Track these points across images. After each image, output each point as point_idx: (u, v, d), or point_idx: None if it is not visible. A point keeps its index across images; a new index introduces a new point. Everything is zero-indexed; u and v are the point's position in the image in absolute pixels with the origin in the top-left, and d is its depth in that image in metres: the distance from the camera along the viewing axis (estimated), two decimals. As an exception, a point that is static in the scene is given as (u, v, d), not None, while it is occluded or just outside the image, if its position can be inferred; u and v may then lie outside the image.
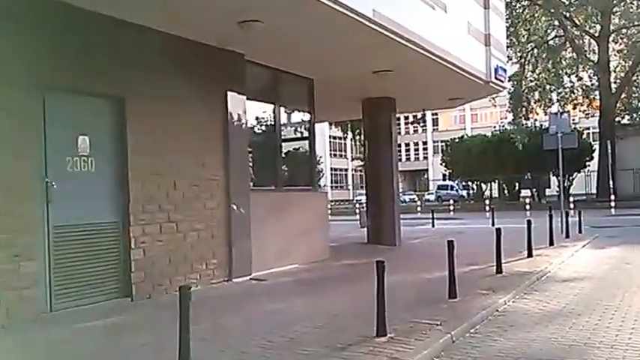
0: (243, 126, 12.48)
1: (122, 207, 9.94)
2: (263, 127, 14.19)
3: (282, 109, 14.39)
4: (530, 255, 14.33)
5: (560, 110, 38.57)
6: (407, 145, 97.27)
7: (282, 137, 14.56)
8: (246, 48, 12.02)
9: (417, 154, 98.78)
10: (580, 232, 20.55)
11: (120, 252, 9.90)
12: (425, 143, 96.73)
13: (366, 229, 19.79)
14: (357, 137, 58.34)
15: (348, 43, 12.10)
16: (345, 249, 17.56)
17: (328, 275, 12.87)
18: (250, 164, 13.36)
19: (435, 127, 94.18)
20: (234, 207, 12.04)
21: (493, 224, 23.92)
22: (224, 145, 11.92)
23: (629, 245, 17.50)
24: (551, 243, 16.75)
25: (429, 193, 70.17)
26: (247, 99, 12.52)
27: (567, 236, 19.04)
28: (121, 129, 9.99)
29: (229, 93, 12.02)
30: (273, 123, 14.03)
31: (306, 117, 15.50)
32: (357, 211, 32.63)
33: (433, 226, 27.19)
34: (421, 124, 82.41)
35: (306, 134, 15.70)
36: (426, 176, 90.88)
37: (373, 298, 7.26)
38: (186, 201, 11.04)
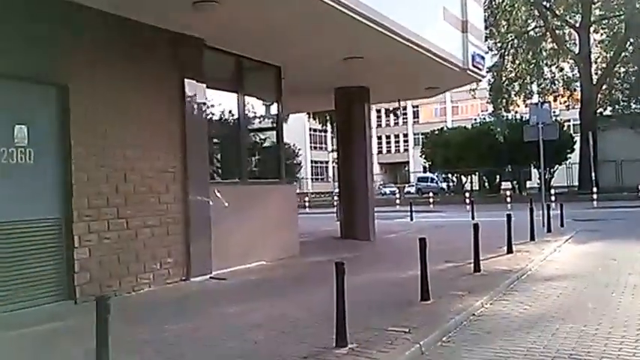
0: (203, 116, 11.72)
1: (65, 202, 9.15)
2: (226, 117, 13.38)
3: (247, 98, 13.53)
4: (510, 251, 13.65)
5: (541, 101, 38.11)
6: (387, 137, 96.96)
7: (248, 128, 13.83)
8: (206, 32, 11.28)
9: (398, 147, 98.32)
10: (562, 225, 19.99)
11: (62, 251, 9.11)
12: (405, 135, 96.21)
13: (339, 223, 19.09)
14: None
15: (314, 27, 11.41)
16: (316, 244, 16.83)
17: (294, 274, 12.10)
18: (215, 156, 12.69)
19: (416, 120, 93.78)
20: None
21: (473, 217, 23.38)
22: (181, 136, 11.12)
23: (612, 239, 16.92)
24: (532, 238, 16.07)
25: (409, 186, 69.62)
26: (207, 87, 11.76)
27: (549, 230, 18.38)
28: (63, 118, 9.20)
29: (187, 80, 11.24)
30: (236, 113, 13.22)
31: (274, 106, 14.74)
32: (335, 203, 31.81)
33: (412, 219, 26.47)
34: (401, 116, 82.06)
35: (274, 124, 14.89)
36: (406, 168, 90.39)
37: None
38: (138, 195, 10.26)
